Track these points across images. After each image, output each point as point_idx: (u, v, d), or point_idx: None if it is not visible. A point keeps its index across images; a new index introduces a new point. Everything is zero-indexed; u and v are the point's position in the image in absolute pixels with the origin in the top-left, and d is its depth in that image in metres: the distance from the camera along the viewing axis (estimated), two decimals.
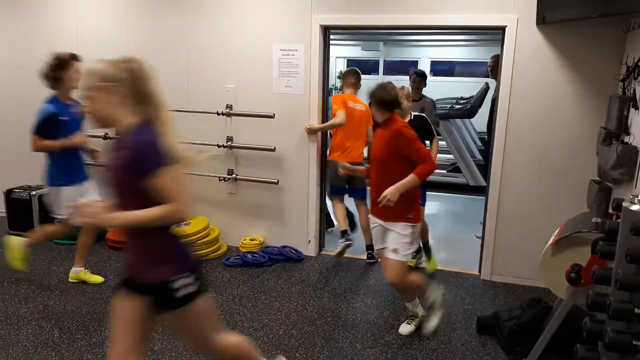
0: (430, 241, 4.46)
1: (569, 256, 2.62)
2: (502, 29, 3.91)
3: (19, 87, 5.20)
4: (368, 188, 3.37)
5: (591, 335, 1.93)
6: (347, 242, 4.37)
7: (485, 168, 5.82)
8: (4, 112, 5.34)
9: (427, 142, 4.06)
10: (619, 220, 1.96)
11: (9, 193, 5.00)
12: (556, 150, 3.94)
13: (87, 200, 1.91)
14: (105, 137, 4.96)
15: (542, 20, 3.71)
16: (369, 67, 11.37)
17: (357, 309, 3.71)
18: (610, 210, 2.87)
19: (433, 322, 3.40)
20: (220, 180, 4.73)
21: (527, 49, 3.85)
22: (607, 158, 3.21)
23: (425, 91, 5.49)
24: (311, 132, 4.37)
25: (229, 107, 4.59)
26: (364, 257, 4.58)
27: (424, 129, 4.00)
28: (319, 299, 3.86)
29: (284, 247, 4.62)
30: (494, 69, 4.93)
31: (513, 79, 3.92)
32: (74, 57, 3.70)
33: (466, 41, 9.45)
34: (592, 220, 2.72)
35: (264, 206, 4.69)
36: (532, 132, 3.97)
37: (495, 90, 5.14)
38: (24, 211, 4.94)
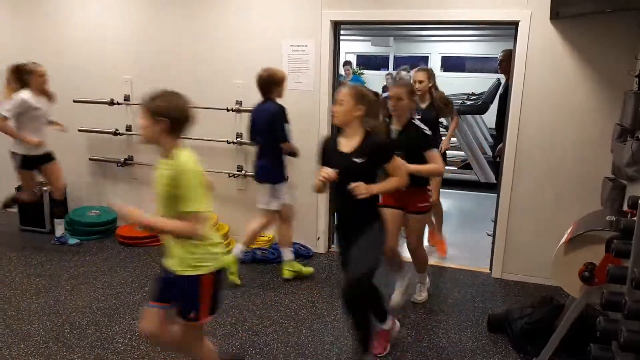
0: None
1: (582, 254, 2.59)
2: (515, 24, 3.86)
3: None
4: None
5: (605, 334, 1.90)
6: None
7: (494, 164, 5.78)
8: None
9: None
10: (634, 218, 1.93)
11: (20, 189, 5.04)
12: (569, 147, 3.89)
13: None
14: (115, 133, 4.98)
15: (556, 15, 3.66)
16: (379, 62, 11.34)
17: None
18: (625, 208, 2.82)
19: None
20: (229, 176, 4.73)
21: (540, 45, 3.80)
22: (622, 155, 3.16)
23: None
24: None
25: (239, 103, 4.58)
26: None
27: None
28: (328, 295, 3.84)
29: (294, 243, 4.60)
30: (503, 63, 4.87)
31: (526, 75, 3.87)
32: None
33: (477, 36, 9.37)
34: (607, 218, 2.68)
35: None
36: (544, 129, 3.92)
37: (503, 86, 5.09)
38: (35, 207, 4.97)
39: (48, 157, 4.46)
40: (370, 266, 2.68)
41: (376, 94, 3.78)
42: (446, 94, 5.68)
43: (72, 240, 4.76)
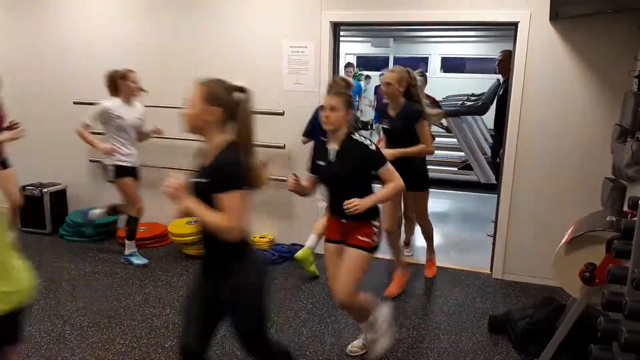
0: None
1: (582, 255, 2.59)
2: (515, 25, 3.87)
3: (28, 87, 5.23)
4: None
5: (606, 335, 1.90)
6: None
7: (494, 165, 5.78)
8: (14, 111, 5.36)
9: None
10: (634, 218, 1.93)
11: (21, 190, 5.03)
12: (569, 147, 3.90)
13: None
14: None
15: (556, 15, 3.67)
16: (379, 63, 11.35)
17: None
18: (625, 209, 2.83)
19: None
20: None
21: (540, 45, 3.81)
22: (622, 156, 3.16)
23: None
24: None
25: None
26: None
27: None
28: (329, 296, 3.83)
29: (294, 244, 4.61)
30: (502, 63, 4.89)
31: (525, 76, 3.88)
32: None
33: (477, 37, 9.38)
34: (607, 218, 2.68)
35: (273, 204, 4.69)
36: (544, 129, 3.92)
37: (501, 87, 5.10)
38: (35, 208, 4.97)
39: (133, 172, 4.24)
40: (258, 323, 2.17)
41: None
42: (446, 95, 5.63)
43: (139, 260, 4.40)
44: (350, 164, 2.65)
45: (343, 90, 2.68)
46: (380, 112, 3.88)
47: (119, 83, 4.05)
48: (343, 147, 2.67)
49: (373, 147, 2.66)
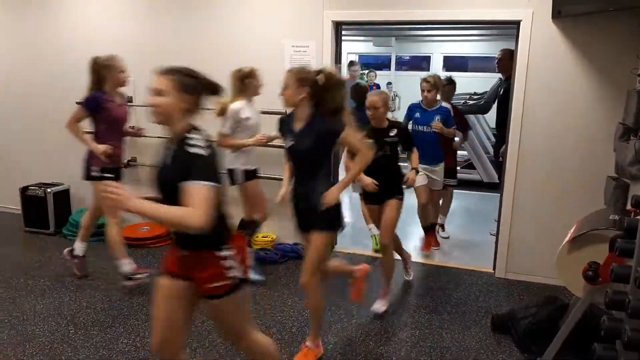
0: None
1: (585, 254, 2.58)
2: (517, 24, 3.86)
3: (29, 88, 5.25)
4: None
5: (609, 333, 1.90)
6: None
7: (496, 164, 5.78)
8: (16, 112, 5.39)
9: None
10: (638, 217, 1.93)
11: (24, 190, 5.06)
12: (572, 146, 3.89)
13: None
14: None
15: (558, 14, 3.66)
16: (381, 62, 11.34)
17: (370, 306, 3.69)
18: (629, 207, 2.82)
19: None
20: None
21: (542, 44, 3.80)
22: (625, 154, 3.16)
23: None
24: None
25: None
26: (378, 254, 4.56)
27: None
28: (331, 297, 3.84)
29: (296, 244, 4.61)
30: (501, 62, 4.87)
31: (528, 74, 3.87)
32: None
33: (479, 36, 9.37)
34: (610, 217, 2.67)
35: (275, 203, 4.68)
36: (547, 128, 3.92)
37: (501, 85, 5.09)
38: (39, 208, 4.99)
39: (255, 174, 3.99)
40: None
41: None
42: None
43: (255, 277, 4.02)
44: (177, 171, 1.91)
45: (175, 69, 2.02)
46: (282, 123, 2.93)
47: (247, 82, 3.78)
48: (178, 146, 1.97)
49: (196, 151, 1.90)
